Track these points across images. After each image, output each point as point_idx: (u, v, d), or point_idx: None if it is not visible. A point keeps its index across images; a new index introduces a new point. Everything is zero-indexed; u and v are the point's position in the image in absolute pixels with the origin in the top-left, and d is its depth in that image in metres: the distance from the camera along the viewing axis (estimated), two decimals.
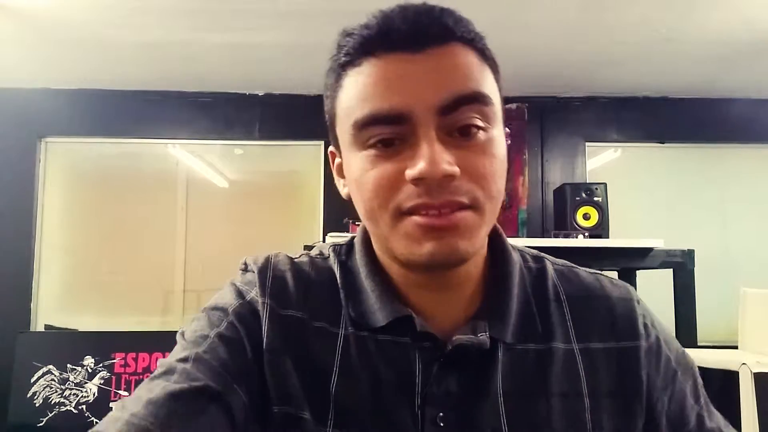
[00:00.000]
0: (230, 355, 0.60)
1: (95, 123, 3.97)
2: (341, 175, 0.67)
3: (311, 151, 4.07)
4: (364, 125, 0.57)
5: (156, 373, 0.59)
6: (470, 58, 0.59)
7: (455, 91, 0.56)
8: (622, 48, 3.29)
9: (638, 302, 0.70)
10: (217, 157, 4.15)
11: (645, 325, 0.68)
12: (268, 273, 0.67)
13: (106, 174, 4.08)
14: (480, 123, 0.57)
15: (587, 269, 0.73)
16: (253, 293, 0.65)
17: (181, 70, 3.69)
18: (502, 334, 0.62)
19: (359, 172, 0.59)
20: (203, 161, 4.14)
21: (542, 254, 0.74)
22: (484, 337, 0.61)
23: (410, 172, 0.55)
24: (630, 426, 0.64)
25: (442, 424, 0.59)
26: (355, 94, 0.58)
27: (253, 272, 0.67)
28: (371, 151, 0.58)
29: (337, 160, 0.67)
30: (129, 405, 0.55)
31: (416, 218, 0.56)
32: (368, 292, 0.64)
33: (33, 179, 3.95)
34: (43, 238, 3.98)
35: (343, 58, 0.60)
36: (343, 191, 0.67)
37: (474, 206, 0.57)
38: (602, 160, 4.16)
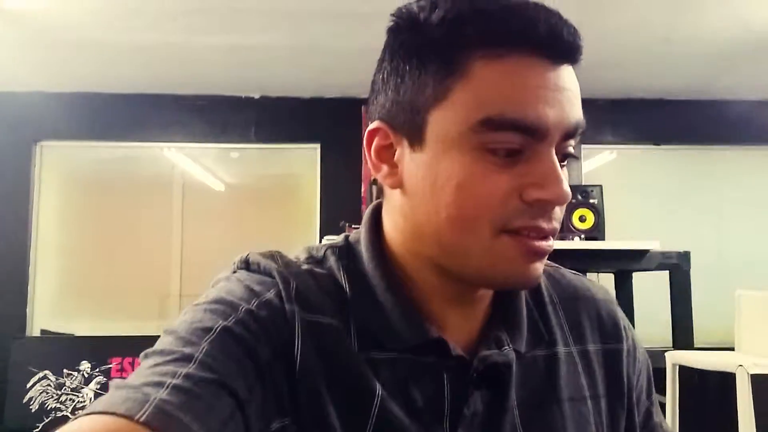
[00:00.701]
0: (243, 357, 0.51)
1: (91, 126, 3.97)
2: (384, 159, 0.58)
3: (307, 153, 4.06)
4: (497, 127, 0.51)
5: (162, 359, 0.49)
6: (578, 86, 0.55)
7: (578, 117, 0.53)
8: (619, 50, 3.30)
9: (615, 303, 0.71)
10: (213, 161, 4.15)
11: (624, 327, 0.68)
12: (287, 273, 0.57)
13: (101, 178, 4.07)
14: (573, 153, 0.56)
15: (569, 270, 0.72)
16: (271, 295, 0.55)
17: (177, 73, 3.69)
18: (519, 344, 0.60)
19: (463, 176, 0.52)
20: (199, 165, 4.14)
21: None
22: (508, 350, 0.59)
23: (537, 194, 0.51)
24: (618, 426, 0.64)
25: None
26: (496, 89, 0.51)
27: (268, 272, 0.58)
28: (490, 157, 0.51)
29: (378, 141, 0.58)
30: (144, 390, 0.45)
31: (524, 240, 0.53)
32: (387, 308, 0.57)
33: (28, 184, 3.94)
34: (38, 244, 3.97)
35: (475, 38, 0.51)
36: (386, 179, 0.58)
37: (557, 233, 0.56)
38: (598, 162, 4.17)
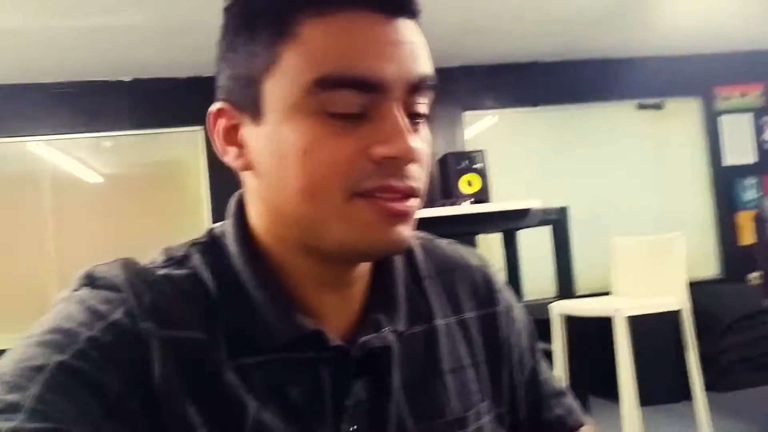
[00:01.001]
0: (85, 395, 0.46)
1: None
2: (231, 141, 0.55)
3: (190, 137, 3.90)
4: (332, 85, 0.49)
5: None
6: (424, 41, 0.54)
7: (423, 71, 0.52)
8: (492, 16, 3.42)
9: (490, 267, 0.71)
10: (86, 152, 3.88)
11: (499, 290, 0.69)
12: (139, 284, 0.52)
13: None
14: (425, 112, 0.55)
15: (443, 239, 0.71)
16: (119, 314, 0.50)
17: (38, 60, 3.40)
18: (398, 324, 0.59)
19: (305, 142, 0.50)
20: (71, 157, 3.85)
21: None
22: (387, 332, 0.57)
23: (382, 150, 0.50)
24: (502, 389, 0.66)
25: None
26: (327, 47, 0.49)
27: (116, 287, 0.52)
28: (331, 120, 0.50)
29: (223, 122, 0.55)
30: None
31: (378, 202, 0.51)
32: (258, 305, 0.54)
33: None
34: None
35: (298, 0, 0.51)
36: (235, 161, 0.55)
37: (419, 194, 0.54)
38: (481, 127, 4.33)
